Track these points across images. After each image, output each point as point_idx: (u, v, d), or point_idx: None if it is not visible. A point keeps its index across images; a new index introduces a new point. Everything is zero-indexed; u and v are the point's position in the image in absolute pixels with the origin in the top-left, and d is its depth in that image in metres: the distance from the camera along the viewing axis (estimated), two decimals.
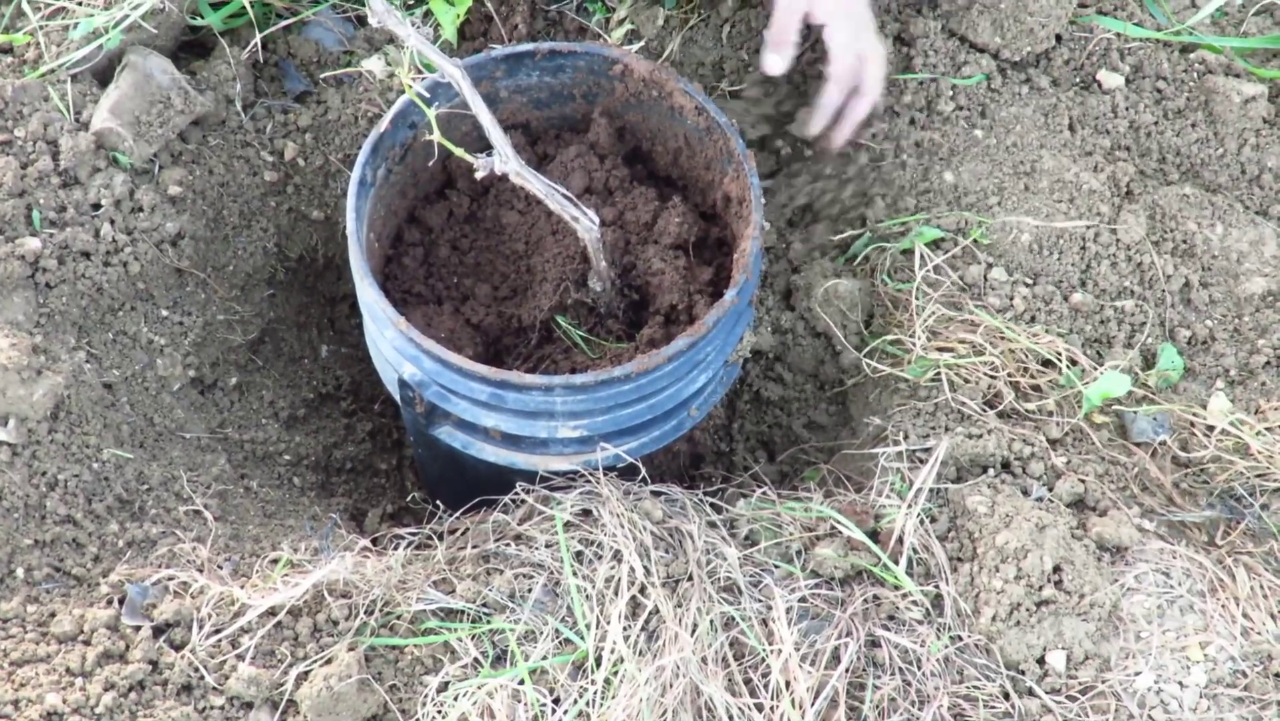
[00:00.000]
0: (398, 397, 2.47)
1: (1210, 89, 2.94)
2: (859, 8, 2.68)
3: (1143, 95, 2.98)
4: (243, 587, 2.27)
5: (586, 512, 2.37)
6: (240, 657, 2.18)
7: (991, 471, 2.46)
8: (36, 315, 2.57)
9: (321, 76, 3.01)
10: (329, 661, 2.16)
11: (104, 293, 2.66)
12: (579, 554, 2.31)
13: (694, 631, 2.21)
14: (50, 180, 2.66)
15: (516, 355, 2.64)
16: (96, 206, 2.68)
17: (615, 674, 2.17)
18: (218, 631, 2.21)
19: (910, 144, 2.90)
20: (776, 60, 2.68)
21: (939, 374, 2.62)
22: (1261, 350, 2.64)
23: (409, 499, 2.93)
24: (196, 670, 2.15)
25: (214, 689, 2.14)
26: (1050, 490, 2.42)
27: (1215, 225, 2.77)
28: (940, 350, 2.65)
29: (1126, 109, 2.94)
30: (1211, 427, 2.55)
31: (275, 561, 2.36)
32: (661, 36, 3.05)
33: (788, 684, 2.18)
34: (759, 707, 2.18)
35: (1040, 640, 2.22)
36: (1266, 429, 2.51)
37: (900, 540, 2.34)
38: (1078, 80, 2.99)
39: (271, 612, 2.23)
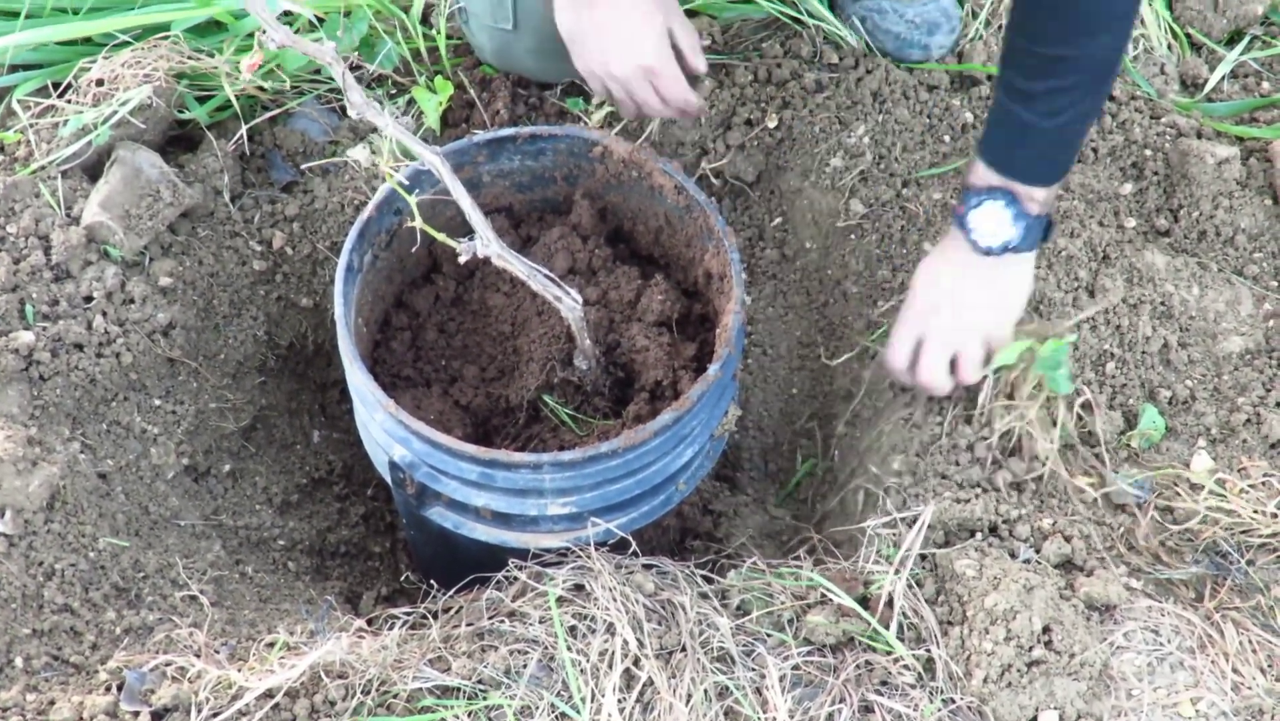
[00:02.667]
0: (389, 480, 2.49)
1: (1184, 152, 2.98)
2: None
3: (1118, 159, 3.02)
4: (240, 671, 2.28)
5: (579, 587, 2.38)
6: None
7: (979, 535, 2.48)
8: (31, 407, 2.59)
9: (307, 166, 3.05)
10: None
11: (97, 384, 2.69)
12: (572, 628, 2.32)
13: (689, 701, 2.22)
14: (42, 274, 2.69)
15: (505, 435, 2.66)
16: (88, 299, 2.72)
17: None
18: (216, 715, 2.21)
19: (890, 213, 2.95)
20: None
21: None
22: (1241, 408, 2.67)
23: (403, 580, 2.95)
24: None
25: None
26: (1038, 552, 2.45)
27: (1192, 286, 2.81)
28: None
29: (1101, 173, 2.99)
30: (1196, 486, 2.58)
31: (271, 644, 2.37)
32: (640, 119, 3.09)
33: None
34: None
35: (1032, 700, 2.24)
36: (1249, 486, 2.53)
37: (890, 605, 2.36)
38: None
39: (269, 695, 2.23)
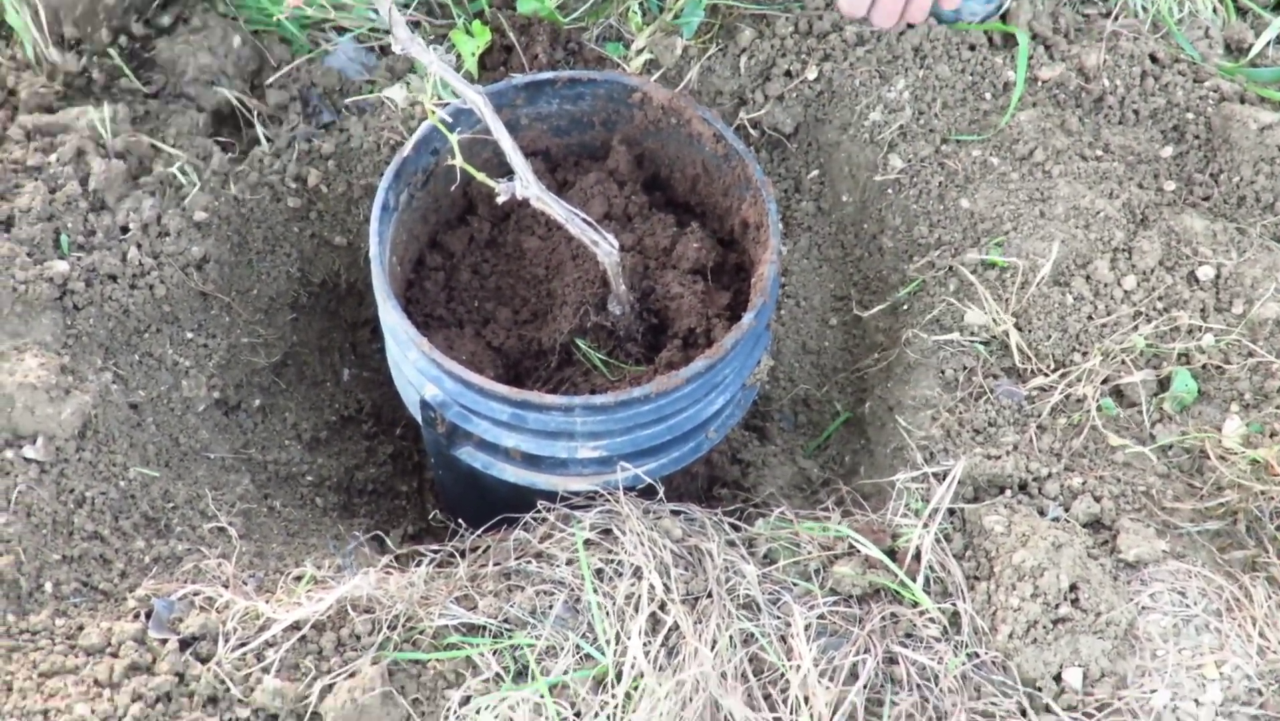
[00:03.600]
0: (419, 418, 2.49)
1: (1226, 116, 2.96)
2: None
3: (1159, 121, 3.01)
4: (267, 602, 2.29)
5: (606, 531, 2.39)
6: (265, 670, 2.19)
7: (1009, 492, 2.48)
8: (64, 336, 2.60)
9: (344, 104, 3.04)
10: (353, 675, 2.18)
11: (130, 315, 2.69)
12: (599, 571, 2.33)
13: (713, 647, 2.23)
14: (79, 204, 2.70)
15: (536, 378, 2.66)
16: (124, 230, 2.72)
17: (635, 688, 2.18)
18: (243, 645, 2.23)
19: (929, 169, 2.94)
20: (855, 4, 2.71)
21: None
22: (1275, 373, 2.66)
23: (431, 519, 2.95)
24: (222, 682, 2.17)
25: (239, 701, 2.16)
26: (1066, 510, 2.44)
27: (1230, 251, 2.80)
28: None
29: (1142, 135, 2.98)
30: (1228, 451, 2.57)
31: (299, 578, 2.38)
32: (680, 65, 3.08)
33: (806, 699, 2.20)
34: None
35: (1057, 657, 2.24)
36: None
37: (917, 558, 2.36)
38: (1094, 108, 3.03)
39: (296, 627, 2.24)
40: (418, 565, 2.41)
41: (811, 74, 3.07)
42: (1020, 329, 2.72)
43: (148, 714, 2.12)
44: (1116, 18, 3.17)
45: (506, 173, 2.27)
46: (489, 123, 2.21)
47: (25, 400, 2.42)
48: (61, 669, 2.18)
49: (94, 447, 2.49)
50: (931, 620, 2.31)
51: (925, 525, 2.39)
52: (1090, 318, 2.71)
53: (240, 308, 2.92)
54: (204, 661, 2.21)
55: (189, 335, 2.82)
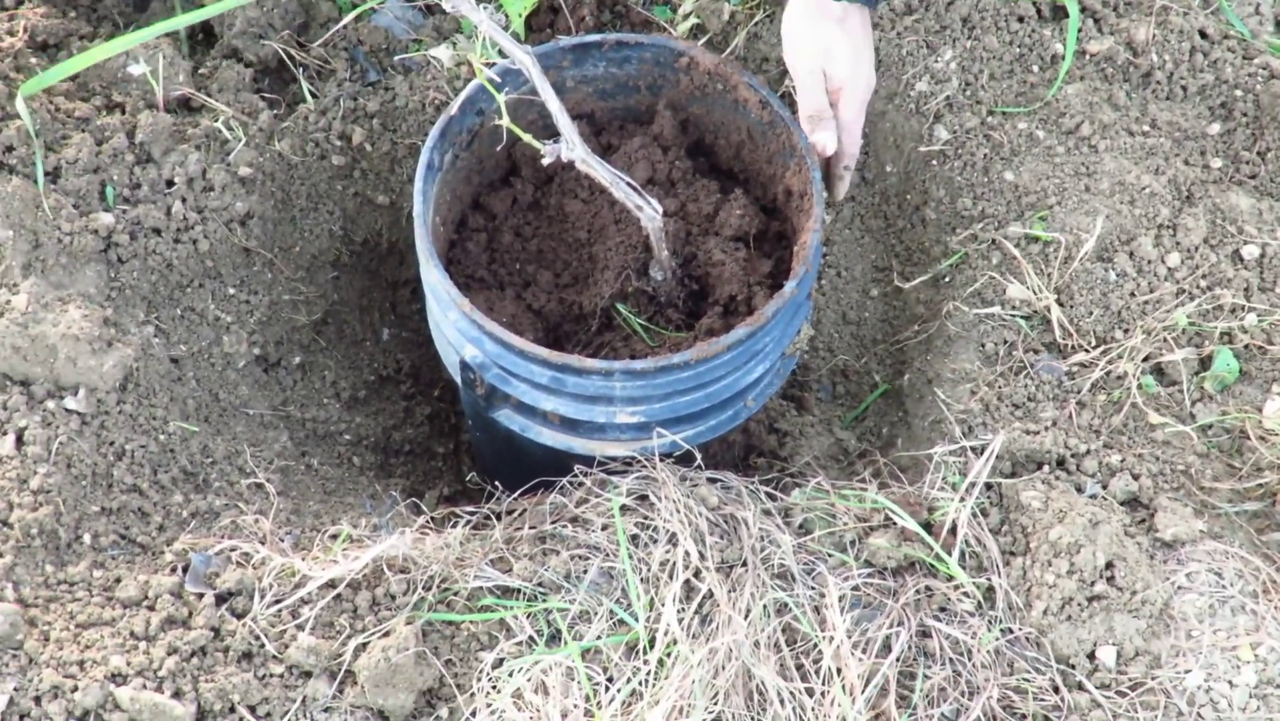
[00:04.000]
0: (458, 379, 2.50)
1: (1275, 94, 2.94)
2: (872, 81, 2.68)
3: (1206, 98, 2.99)
4: (303, 560, 2.30)
5: (643, 497, 2.39)
6: (300, 627, 2.21)
7: (1046, 468, 2.47)
8: (108, 289, 2.61)
9: (390, 62, 3.04)
10: (387, 634, 2.19)
11: (173, 269, 2.70)
12: (634, 537, 2.33)
13: (747, 616, 2.23)
14: (125, 157, 2.71)
15: (576, 342, 2.66)
16: (170, 184, 2.73)
17: (668, 655, 2.19)
18: (278, 601, 2.24)
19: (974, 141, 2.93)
20: (827, 138, 2.60)
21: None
22: None
23: (468, 480, 2.96)
24: (257, 638, 2.19)
25: (274, 657, 2.18)
26: (1104, 487, 2.44)
27: (1276, 230, 2.78)
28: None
29: (1189, 111, 2.96)
30: (1268, 431, 2.56)
31: (335, 536, 2.40)
32: (726, 31, 3.07)
33: (839, 670, 2.20)
34: (810, 692, 2.20)
35: (1091, 635, 2.24)
36: None
37: (953, 532, 2.36)
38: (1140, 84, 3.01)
39: (331, 585, 2.26)
40: (454, 526, 2.42)
41: None
42: (1062, 304, 2.71)
43: (183, 667, 2.14)
44: None
45: (550, 135, 2.27)
46: (536, 83, 2.20)
47: (68, 351, 2.43)
48: (98, 620, 2.20)
49: (135, 400, 2.51)
50: (966, 594, 2.31)
51: (962, 499, 2.38)
52: (1133, 294, 2.70)
53: (282, 265, 2.92)
54: (239, 616, 2.23)
55: (231, 291, 2.83)
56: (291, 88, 3.03)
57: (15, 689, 2.09)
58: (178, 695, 2.12)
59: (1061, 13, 3.07)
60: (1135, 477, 2.45)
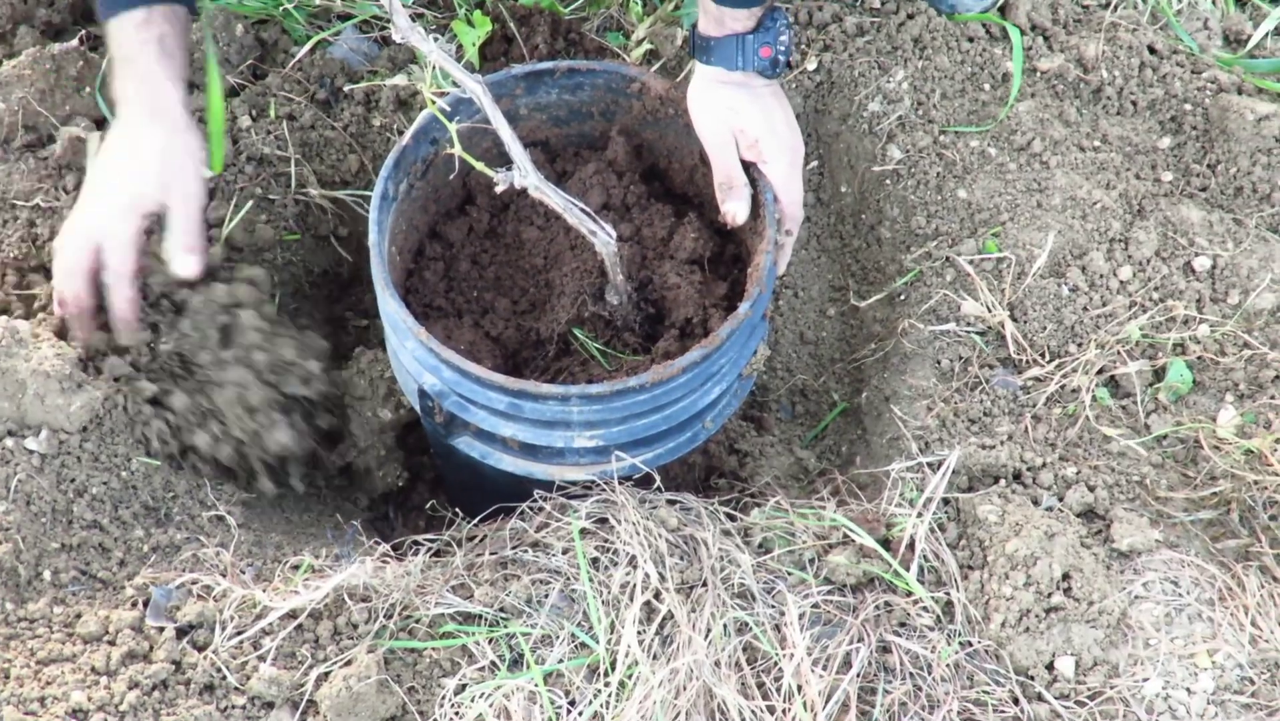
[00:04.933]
0: (417, 408, 2.51)
1: (1223, 107, 2.97)
2: (796, 142, 2.60)
3: (1156, 112, 3.02)
4: (265, 591, 2.30)
5: (602, 520, 2.40)
6: (262, 659, 2.21)
7: (1003, 481, 2.49)
8: None
9: (346, 91, 3.06)
10: (349, 663, 2.19)
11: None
12: (595, 560, 2.34)
13: (708, 635, 2.24)
14: None
15: (534, 367, 2.68)
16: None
17: (630, 676, 2.20)
18: (240, 633, 2.24)
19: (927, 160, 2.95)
20: (738, 207, 2.55)
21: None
22: (1271, 364, 2.66)
23: (428, 507, 2.96)
24: (219, 670, 2.19)
25: (236, 688, 2.18)
26: (1060, 500, 2.45)
27: (1226, 242, 2.80)
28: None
29: (1140, 125, 2.99)
30: (1222, 441, 2.58)
31: (297, 567, 2.40)
32: (680, 56, 3.09)
33: (800, 687, 2.21)
34: (771, 710, 2.20)
35: (1049, 646, 2.25)
36: (1276, 440, 2.53)
37: (911, 548, 2.37)
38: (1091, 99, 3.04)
39: (292, 615, 2.26)
40: (415, 554, 2.43)
41: (811, 65, 3.08)
42: (1016, 319, 2.73)
43: (144, 701, 2.14)
44: (1115, 9, 3.17)
45: (505, 163, 2.28)
46: (488, 112, 2.22)
47: (37, 388, 2.43)
48: (59, 656, 2.20)
49: (97, 440, 2.50)
50: (925, 609, 2.32)
51: (919, 514, 2.40)
52: (1086, 308, 2.72)
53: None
54: (201, 649, 2.23)
55: None
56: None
57: None
58: None
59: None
60: (1091, 489, 2.47)
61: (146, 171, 2.48)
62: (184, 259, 2.51)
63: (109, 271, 2.48)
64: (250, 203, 2.86)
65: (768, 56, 2.47)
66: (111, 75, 2.54)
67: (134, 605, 2.29)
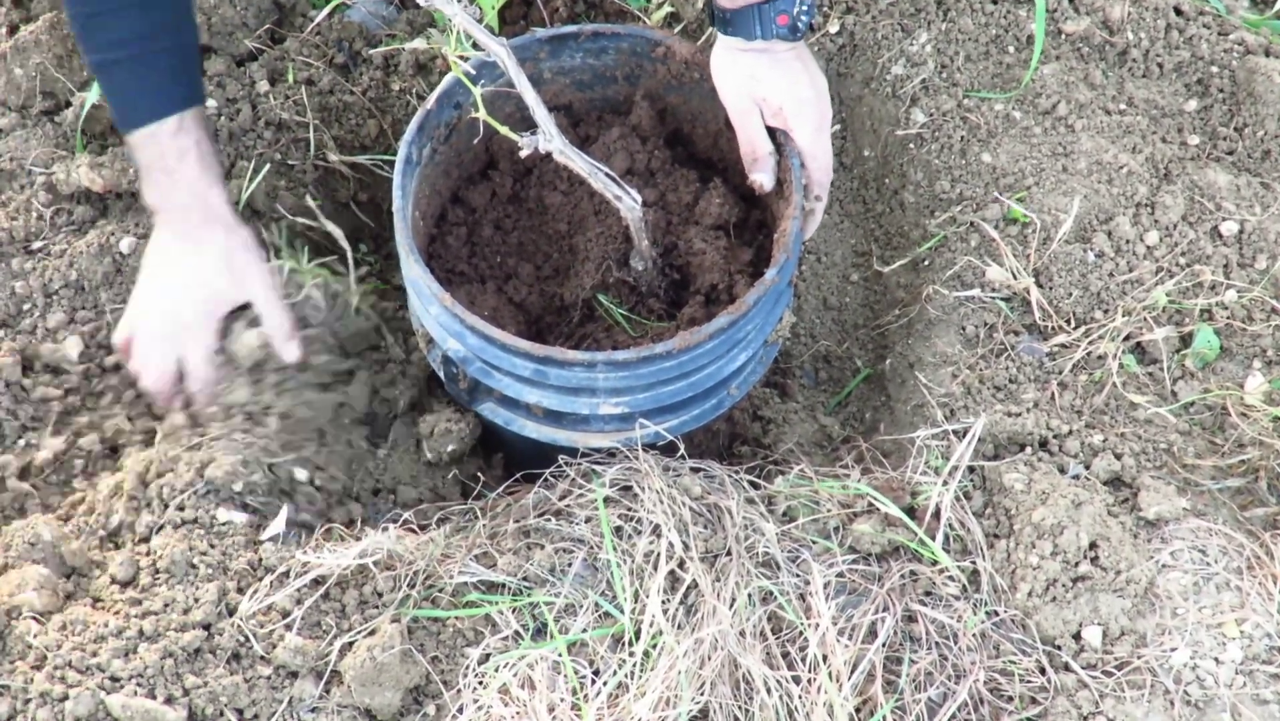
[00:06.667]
0: (441, 374, 2.50)
1: (1251, 69, 2.94)
2: (823, 105, 2.55)
3: (1183, 75, 2.99)
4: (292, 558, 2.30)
5: (626, 488, 2.39)
6: (288, 628, 2.21)
7: (1029, 449, 2.47)
8: None
9: (364, 54, 3.04)
10: (373, 632, 2.19)
11: None
12: (618, 529, 2.33)
13: (732, 605, 2.23)
14: None
15: (558, 334, 2.67)
16: None
17: (654, 646, 2.19)
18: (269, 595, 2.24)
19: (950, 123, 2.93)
20: (763, 177, 2.53)
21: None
22: None
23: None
24: (245, 639, 2.19)
25: (261, 658, 2.18)
26: (1087, 468, 2.44)
27: (1254, 206, 2.78)
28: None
29: (1165, 89, 2.96)
30: (1249, 408, 2.56)
31: (325, 533, 2.39)
32: (701, 19, 3.07)
33: (825, 657, 2.21)
34: (796, 680, 2.20)
35: (1076, 615, 2.24)
36: None
37: (937, 516, 2.36)
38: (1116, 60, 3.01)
39: (318, 582, 2.25)
40: (438, 522, 2.42)
41: (834, 27, 3.05)
42: (1041, 285, 2.71)
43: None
44: None
45: (528, 127, 2.26)
46: (512, 75, 2.20)
47: None
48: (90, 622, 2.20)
49: None
50: (950, 578, 2.31)
51: (945, 482, 2.39)
52: (1112, 274, 2.70)
53: None
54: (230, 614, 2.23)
55: None
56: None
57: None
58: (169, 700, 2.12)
59: None
60: (1118, 457, 2.46)
61: (218, 273, 2.49)
62: (288, 347, 2.54)
63: (193, 379, 2.51)
64: (268, 167, 2.84)
65: (785, 24, 2.44)
66: (149, 185, 2.51)
67: None
